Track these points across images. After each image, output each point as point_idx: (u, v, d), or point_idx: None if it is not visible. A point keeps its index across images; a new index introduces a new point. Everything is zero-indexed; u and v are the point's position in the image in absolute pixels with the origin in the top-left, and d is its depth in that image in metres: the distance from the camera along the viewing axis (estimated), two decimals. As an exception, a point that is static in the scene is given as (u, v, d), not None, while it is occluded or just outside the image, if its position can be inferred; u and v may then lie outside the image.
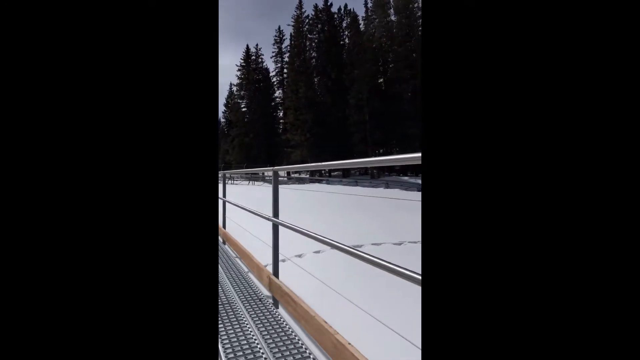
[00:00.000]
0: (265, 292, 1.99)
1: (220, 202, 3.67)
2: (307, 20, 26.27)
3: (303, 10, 26.64)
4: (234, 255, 2.88)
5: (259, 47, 32.13)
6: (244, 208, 2.60)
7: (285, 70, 30.49)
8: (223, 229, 3.50)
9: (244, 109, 30.54)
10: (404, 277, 0.75)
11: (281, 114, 31.06)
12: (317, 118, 24.06)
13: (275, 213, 1.87)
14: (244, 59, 31.71)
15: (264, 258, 2.06)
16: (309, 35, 26.31)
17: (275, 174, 1.91)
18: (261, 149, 28.14)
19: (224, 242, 3.35)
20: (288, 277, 1.83)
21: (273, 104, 31.15)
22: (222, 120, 36.02)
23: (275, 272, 1.81)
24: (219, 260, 2.63)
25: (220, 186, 3.74)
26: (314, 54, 26.00)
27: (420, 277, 0.69)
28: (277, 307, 1.77)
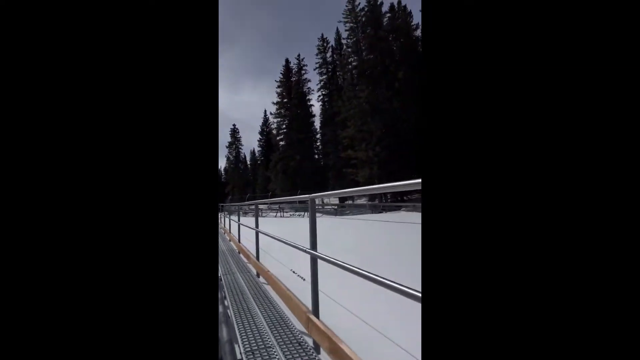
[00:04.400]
0: (304, 333, 2.17)
1: (254, 233, 4.31)
2: (362, 14, 27.23)
3: (356, 2, 27.80)
4: (264, 282, 3.14)
5: (301, 57, 35.14)
6: (277, 239, 2.88)
7: (337, 78, 32.29)
8: (257, 261, 4.07)
9: (283, 131, 33.35)
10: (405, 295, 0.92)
11: (318, 135, 33.98)
12: (388, 127, 24.09)
13: (313, 245, 2.07)
14: (283, 74, 34.71)
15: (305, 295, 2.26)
16: (363, 33, 27.15)
17: (312, 201, 2.14)
18: (307, 173, 30.15)
19: (257, 275, 3.88)
20: (330, 317, 1.98)
21: (310, 120, 34.10)
22: (258, 149, 42.73)
23: (315, 311, 1.99)
24: (255, 295, 2.92)
25: (253, 219, 4.28)
26: (370, 56, 26.56)
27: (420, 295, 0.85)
28: (319, 353, 1.92)
